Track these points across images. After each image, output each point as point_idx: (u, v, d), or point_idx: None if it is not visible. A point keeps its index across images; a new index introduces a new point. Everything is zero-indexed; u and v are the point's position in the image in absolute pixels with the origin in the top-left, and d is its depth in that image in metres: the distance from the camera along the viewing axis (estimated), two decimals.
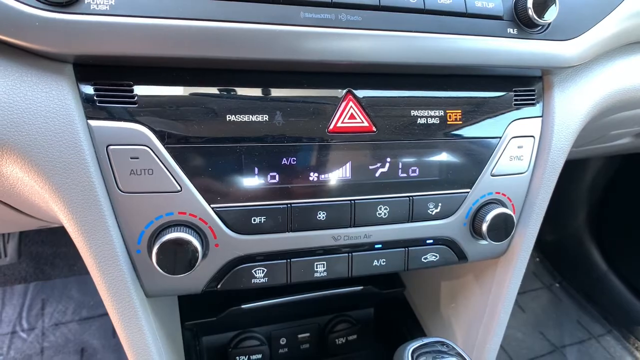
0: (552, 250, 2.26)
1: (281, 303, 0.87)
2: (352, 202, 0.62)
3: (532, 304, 2.08)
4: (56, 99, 0.50)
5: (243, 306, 0.84)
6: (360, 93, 0.60)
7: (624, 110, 0.88)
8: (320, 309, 1.00)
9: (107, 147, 0.52)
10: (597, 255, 2.08)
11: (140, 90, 0.53)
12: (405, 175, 0.64)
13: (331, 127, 0.59)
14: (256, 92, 0.57)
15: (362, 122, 0.61)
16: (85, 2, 0.47)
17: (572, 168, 1.91)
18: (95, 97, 0.52)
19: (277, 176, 0.58)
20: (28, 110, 0.49)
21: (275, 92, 0.57)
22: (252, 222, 0.58)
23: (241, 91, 0.56)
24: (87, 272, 0.61)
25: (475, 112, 0.66)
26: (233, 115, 0.56)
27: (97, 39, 0.48)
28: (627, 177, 1.95)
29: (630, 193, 1.95)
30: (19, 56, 0.49)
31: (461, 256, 0.70)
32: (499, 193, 0.69)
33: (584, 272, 2.11)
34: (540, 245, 2.30)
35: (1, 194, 0.65)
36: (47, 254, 1.77)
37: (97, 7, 0.47)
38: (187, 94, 0.55)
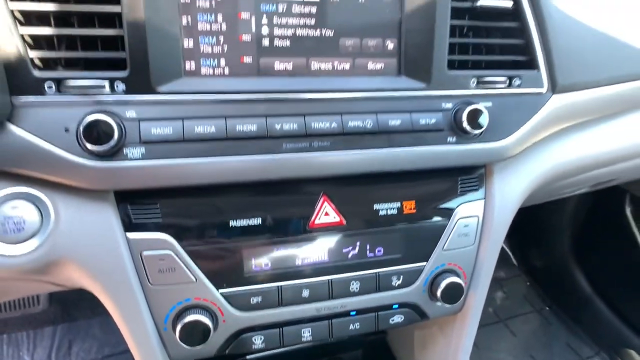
0: (541, 275, 2.40)
1: (281, 353, 1.03)
2: (330, 280, 0.78)
3: (523, 328, 2.21)
4: (103, 220, 0.68)
5: (247, 357, 1.01)
6: (333, 194, 0.78)
7: (566, 178, 1.04)
8: (315, 352, 1.16)
9: (141, 253, 0.69)
10: (582, 280, 2.21)
11: (164, 207, 0.70)
12: (372, 255, 0.80)
13: (311, 224, 0.76)
14: (252, 201, 0.74)
15: (335, 218, 0.78)
16: (124, 153, 0.64)
17: None
18: (131, 215, 0.69)
19: (269, 264, 0.75)
20: (83, 231, 0.67)
21: (266, 200, 0.75)
22: (251, 301, 0.75)
23: (240, 201, 0.74)
24: (108, 313, 0.76)
25: (427, 201, 0.83)
26: (235, 222, 0.73)
27: (133, 178, 0.65)
28: (606, 204, 2.09)
29: (610, 218, 2.09)
30: (76, 192, 0.66)
31: (423, 315, 0.86)
32: (450, 264, 0.85)
33: (571, 296, 2.24)
34: (530, 270, 2.44)
35: (52, 280, 0.82)
36: (73, 297, 1.94)
37: (133, 155, 0.65)
38: (199, 207, 0.72)
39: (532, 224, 2.34)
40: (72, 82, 0.62)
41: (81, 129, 0.62)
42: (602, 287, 2.14)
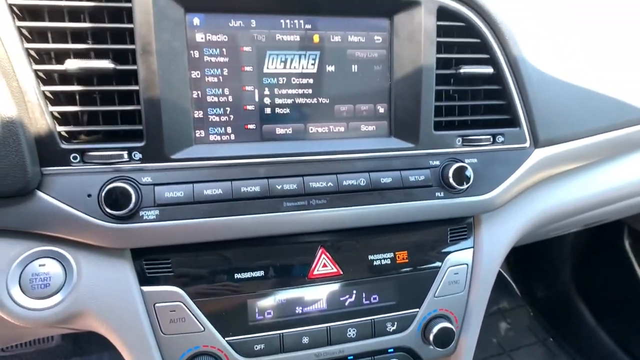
0: (544, 306, 2.41)
1: None
2: (328, 327, 0.84)
3: None
4: (121, 275, 0.75)
5: None
6: (330, 247, 0.84)
7: (553, 223, 1.10)
8: None
9: (154, 304, 0.76)
10: (585, 311, 2.23)
11: (175, 262, 0.77)
12: (368, 302, 0.86)
13: (310, 274, 0.83)
14: (255, 255, 0.81)
15: (333, 269, 0.84)
16: (140, 215, 0.72)
17: None
18: (145, 270, 0.76)
19: (271, 313, 0.81)
20: (103, 286, 0.73)
21: (269, 253, 0.81)
22: (255, 348, 0.80)
23: (244, 255, 0.80)
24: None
25: (419, 251, 0.89)
26: (240, 274, 0.79)
27: (148, 237, 0.72)
28: (605, 236, 2.12)
29: (609, 250, 2.12)
30: (96, 250, 0.73)
31: (417, 359, 0.91)
32: (442, 309, 0.91)
33: (574, 327, 2.25)
34: (533, 301, 2.46)
35: (70, 327, 0.88)
36: (84, 332, 2.00)
37: (148, 217, 0.72)
38: (207, 261, 0.79)
39: (534, 254, 2.37)
40: (94, 153, 0.70)
41: (102, 195, 0.69)
42: (605, 318, 2.15)
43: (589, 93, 0.99)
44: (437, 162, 0.85)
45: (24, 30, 0.67)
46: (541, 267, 2.38)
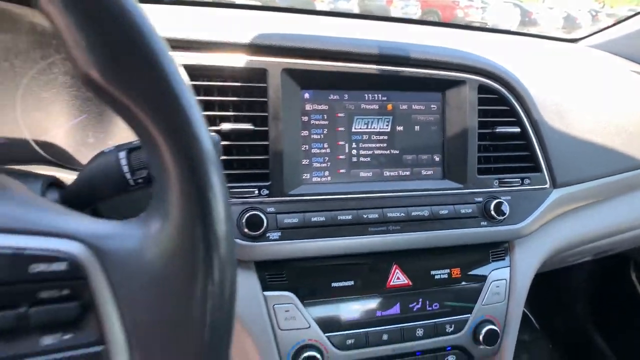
0: (562, 339, 2.57)
1: None
2: (402, 328, 1.06)
3: None
4: (250, 282, 0.99)
5: None
6: (402, 264, 1.08)
7: (572, 249, 1.34)
8: None
9: (273, 305, 0.99)
10: (603, 345, 2.38)
11: (288, 274, 1.01)
12: (431, 308, 1.09)
13: (387, 285, 1.07)
14: (347, 269, 1.05)
15: (404, 281, 1.08)
16: (267, 235, 0.97)
17: None
18: (267, 279, 1.00)
19: (358, 315, 1.04)
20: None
21: (356, 268, 1.06)
22: (347, 343, 1.03)
23: (340, 269, 1.05)
24: None
25: (468, 268, 1.13)
26: (336, 283, 1.03)
27: (273, 252, 0.97)
28: (614, 270, 2.31)
29: (619, 284, 2.30)
30: None
31: (470, 356, 1.13)
32: (488, 315, 1.13)
33: None
34: (552, 334, 2.61)
35: None
36: None
37: (272, 237, 0.97)
38: (312, 273, 1.03)
39: (551, 288, 2.54)
40: (235, 190, 0.97)
41: (243, 220, 0.95)
42: (622, 351, 2.30)
43: (596, 145, 1.26)
44: (480, 199, 1.11)
45: None
46: (558, 301, 2.54)
